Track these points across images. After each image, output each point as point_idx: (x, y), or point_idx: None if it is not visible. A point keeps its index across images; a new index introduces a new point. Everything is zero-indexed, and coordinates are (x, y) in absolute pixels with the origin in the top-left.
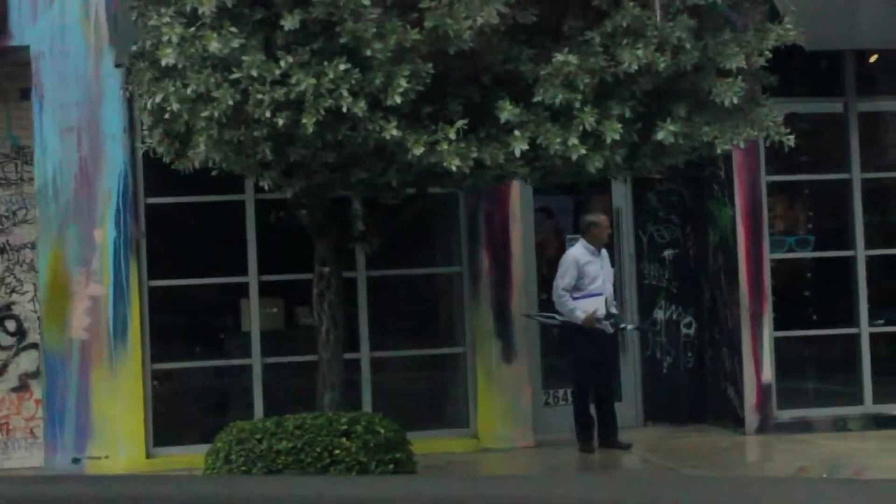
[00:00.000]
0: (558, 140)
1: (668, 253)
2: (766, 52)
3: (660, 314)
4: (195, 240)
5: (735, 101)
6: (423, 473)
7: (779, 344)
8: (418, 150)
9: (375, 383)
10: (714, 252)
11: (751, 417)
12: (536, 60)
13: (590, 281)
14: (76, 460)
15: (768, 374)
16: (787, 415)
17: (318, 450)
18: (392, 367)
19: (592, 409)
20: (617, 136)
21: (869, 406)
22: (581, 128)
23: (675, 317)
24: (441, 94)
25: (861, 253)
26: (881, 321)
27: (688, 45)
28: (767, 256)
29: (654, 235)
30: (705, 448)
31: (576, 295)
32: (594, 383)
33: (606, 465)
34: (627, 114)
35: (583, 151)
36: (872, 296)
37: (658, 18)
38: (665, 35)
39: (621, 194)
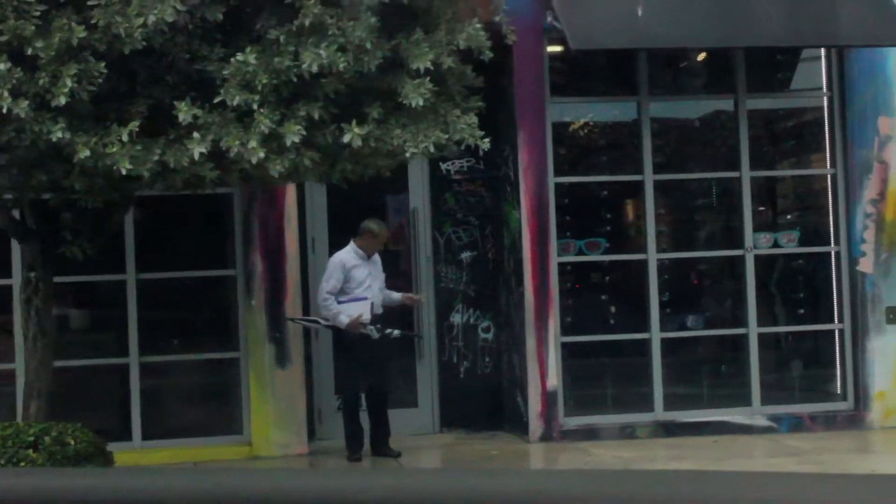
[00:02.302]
0: (238, 143)
1: (465, 255)
2: (487, 52)
3: (457, 318)
4: None
5: (422, 102)
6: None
7: (568, 349)
8: (83, 153)
9: (145, 389)
10: (508, 255)
11: (535, 424)
12: (226, 60)
13: (356, 285)
14: None
15: (554, 380)
16: (573, 422)
17: (1, 461)
18: (163, 372)
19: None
20: (297, 139)
21: (659, 413)
22: (260, 130)
23: (472, 321)
24: (131, 94)
25: (653, 256)
26: (674, 326)
27: (368, 45)
28: (554, 259)
29: (452, 237)
30: (476, 455)
31: (342, 299)
32: (364, 389)
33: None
34: (317, 116)
35: (261, 154)
36: (666, 300)
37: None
38: (348, 35)
39: (418, 194)
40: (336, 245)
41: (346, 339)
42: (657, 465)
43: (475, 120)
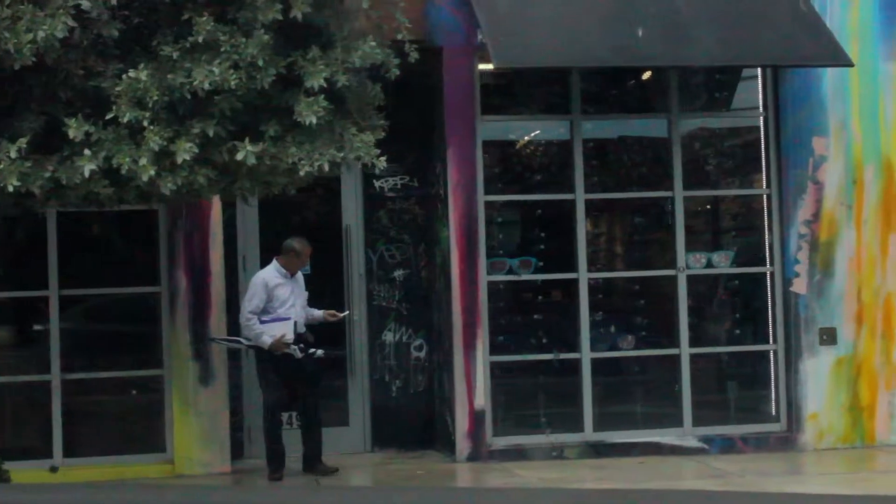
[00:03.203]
0: (128, 159)
1: (398, 273)
2: (397, 67)
3: (389, 336)
4: None
5: (315, 120)
6: None
7: (498, 369)
8: None
9: (68, 406)
10: (439, 273)
11: (462, 444)
12: (121, 76)
13: (279, 304)
14: None
15: (482, 399)
16: (502, 442)
17: None
18: (85, 389)
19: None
20: (188, 156)
21: (589, 434)
22: (150, 147)
23: (405, 339)
24: (25, 110)
25: (584, 276)
26: (606, 346)
27: (261, 63)
28: (484, 278)
29: (385, 255)
30: (400, 476)
31: (264, 318)
32: (297, 408)
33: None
34: (212, 133)
35: (152, 172)
36: (599, 320)
37: None
38: (241, 52)
39: (351, 212)
40: (268, 263)
41: (270, 359)
42: (577, 487)
43: (371, 138)
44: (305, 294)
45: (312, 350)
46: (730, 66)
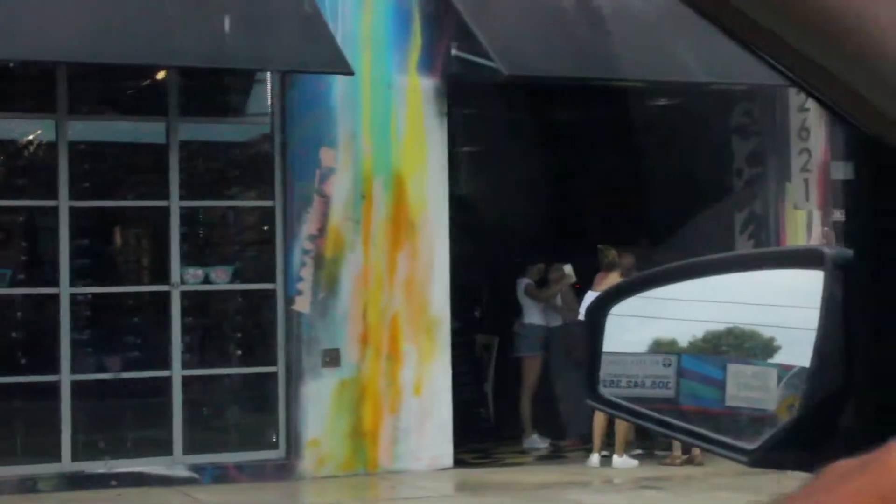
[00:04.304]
0: None
1: None
2: None
3: None
4: None
5: None
6: None
7: None
8: None
9: None
10: None
11: None
12: None
13: None
14: None
15: None
16: None
17: None
18: None
19: None
20: None
21: (66, 464)
22: None
23: None
24: None
25: (66, 290)
26: (91, 368)
27: None
28: None
29: None
30: None
31: None
32: None
33: None
34: None
35: None
36: (85, 339)
37: None
38: None
39: None
40: None
41: None
42: None
43: None
44: None
45: None
46: (221, 69)
